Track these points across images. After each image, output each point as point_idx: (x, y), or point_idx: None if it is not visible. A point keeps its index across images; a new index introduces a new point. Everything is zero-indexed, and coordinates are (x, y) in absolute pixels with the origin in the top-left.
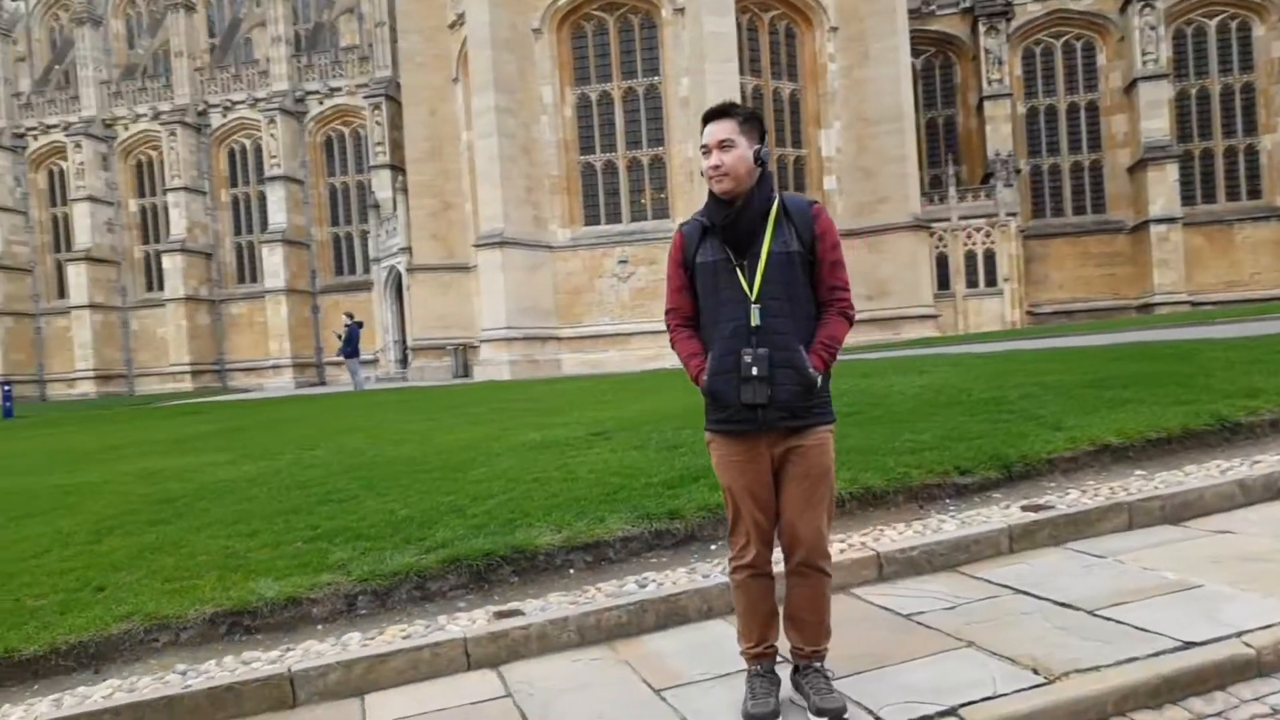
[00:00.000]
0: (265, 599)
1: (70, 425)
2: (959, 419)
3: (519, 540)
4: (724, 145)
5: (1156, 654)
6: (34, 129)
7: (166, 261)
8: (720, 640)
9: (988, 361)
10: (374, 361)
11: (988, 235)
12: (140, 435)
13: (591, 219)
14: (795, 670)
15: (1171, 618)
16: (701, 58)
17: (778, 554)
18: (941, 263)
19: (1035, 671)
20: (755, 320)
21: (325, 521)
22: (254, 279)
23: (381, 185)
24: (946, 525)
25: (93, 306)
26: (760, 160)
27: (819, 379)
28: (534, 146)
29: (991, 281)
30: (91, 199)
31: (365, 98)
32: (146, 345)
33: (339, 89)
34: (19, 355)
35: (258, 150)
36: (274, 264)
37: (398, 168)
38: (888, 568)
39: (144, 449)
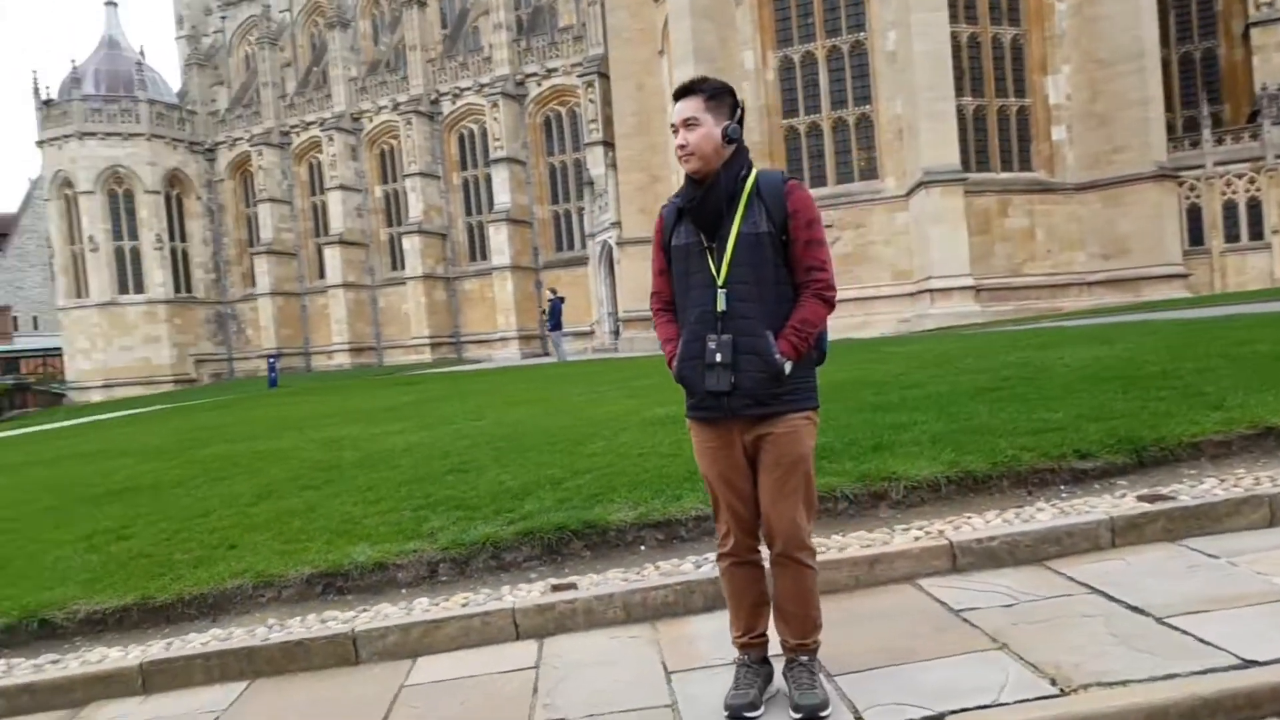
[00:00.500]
0: (357, 563)
1: (312, 395)
2: (1108, 396)
3: (594, 515)
4: (689, 124)
5: (1205, 671)
6: (296, 126)
7: (406, 243)
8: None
9: (1190, 329)
10: (590, 333)
11: (1251, 182)
12: (353, 404)
13: None
14: (785, 664)
15: (1249, 632)
16: (908, 9)
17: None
18: (1193, 215)
19: (1053, 682)
20: (721, 305)
21: (440, 491)
22: (483, 256)
23: (595, 162)
24: (1042, 515)
25: (345, 285)
26: (729, 137)
27: (786, 365)
28: None
29: (1257, 235)
30: (343, 187)
31: (579, 76)
32: (392, 320)
33: (555, 70)
34: (288, 330)
35: (484, 134)
36: (499, 242)
37: (610, 144)
38: (962, 559)
39: (346, 417)
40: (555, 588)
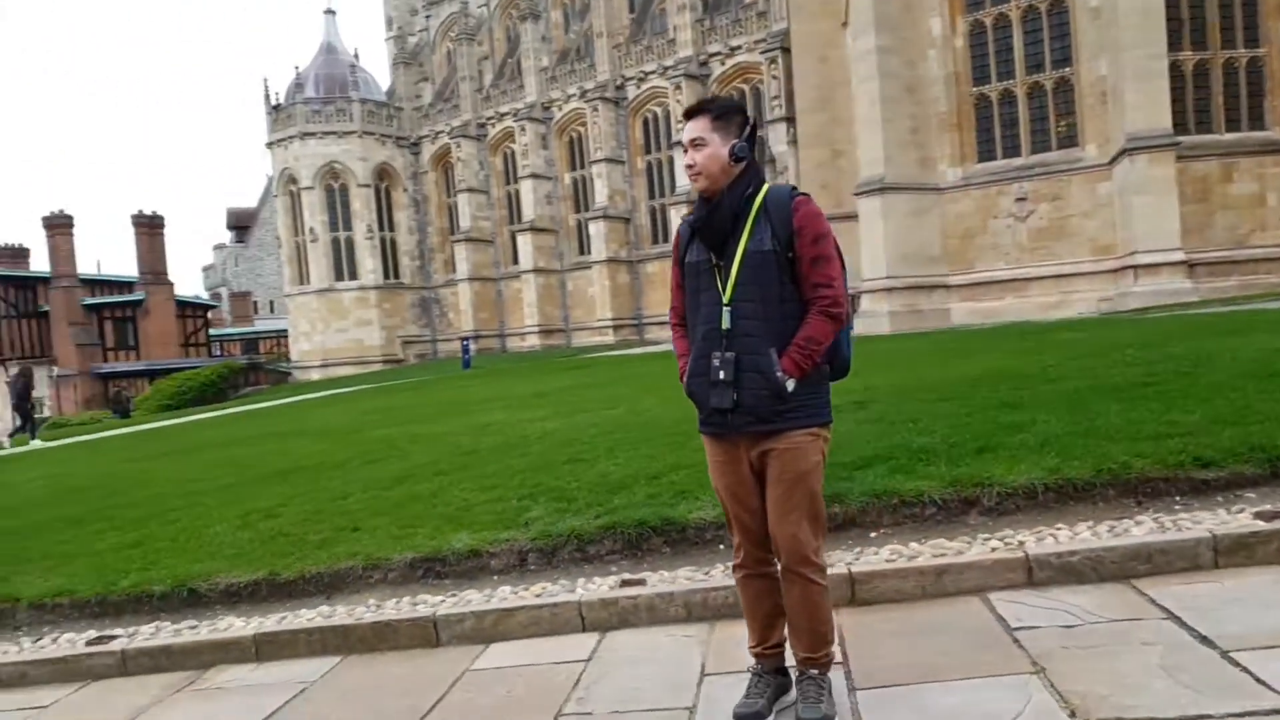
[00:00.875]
0: (455, 550)
1: (493, 377)
2: (1260, 396)
3: (676, 513)
4: (696, 144)
5: (1244, 714)
6: (491, 118)
7: (592, 228)
8: None
9: None
10: None
11: None
12: (518, 388)
13: (985, 155)
14: (796, 676)
15: None
16: None
17: None
18: None
19: (1072, 713)
20: (726, 323)
21: (551, 480)
22: (665, 239)
23: (777, 139)
24: (1139, 529)
25: (536, 271)
26: (737, 156)
27: (788, 383)
28: (919, 84)
29: None
30: (534, 176)
31: (762, 53)
32: (579, 303)
33: (738, 47)
34: (484, 314)
35: (667, 117)
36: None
37: (792, 120)
38: (1039, 573)
39: (504, 403)
40: (625, 583)
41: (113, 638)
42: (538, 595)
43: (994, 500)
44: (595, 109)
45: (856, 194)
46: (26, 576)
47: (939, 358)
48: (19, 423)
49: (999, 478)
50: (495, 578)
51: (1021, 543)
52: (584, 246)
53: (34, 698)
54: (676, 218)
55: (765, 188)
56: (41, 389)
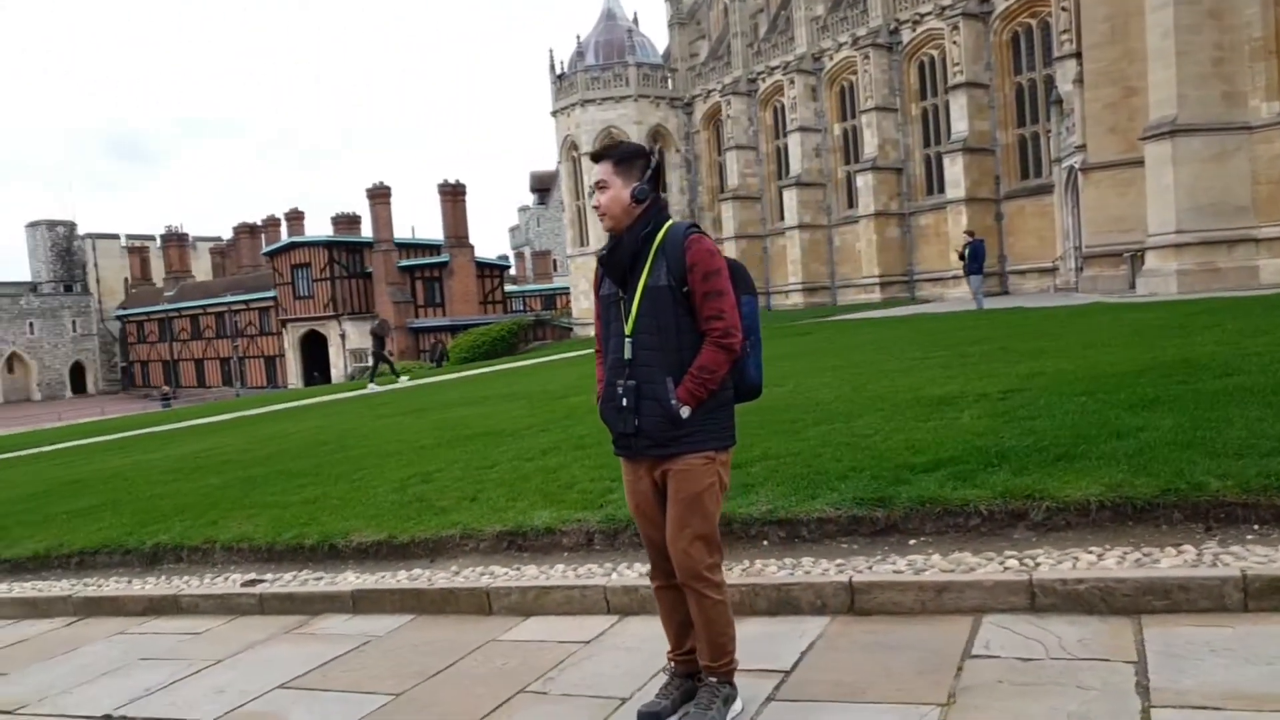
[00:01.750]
0: (534, 527)
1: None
2: None
3: (730, 506)
4: (600, 186)
5: None
6: (761, 73)
7: (859, 180)
8: (786, 637)
9: None
10: (1052, 270)
11: None
12: None
13: None
14: (700, 682)
15: None
16: None
17: None
18: None
19: None
20: (627, 353)
21: None
22: (939, 190)
23: (1065, 78)
24: (1165, 561)
25: (801, 227)
26: (636, 198)
27: (683, 410)
28: (1226, 9)
29: None
30: (802, 129)
31: None
32: (846, 259)
33: None
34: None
35: (943, 60)
36: (954, 174)
37: (1080, 55)
38: (1042, 598)
39: None
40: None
41: (260, 581)
42: (579, 576)
43: (1042, 515)
44: (866, 56)
45: (1142, 138)
46: (230, 522)
47: (1156, 336)
48: (374, 365)
49: (1052, 491)
50: (565, 555)
51: (1037, 564)
52: (853, 200)
53: (195, 625)
54: (950, 165)
55: (667, 226)
56: (366, 341)
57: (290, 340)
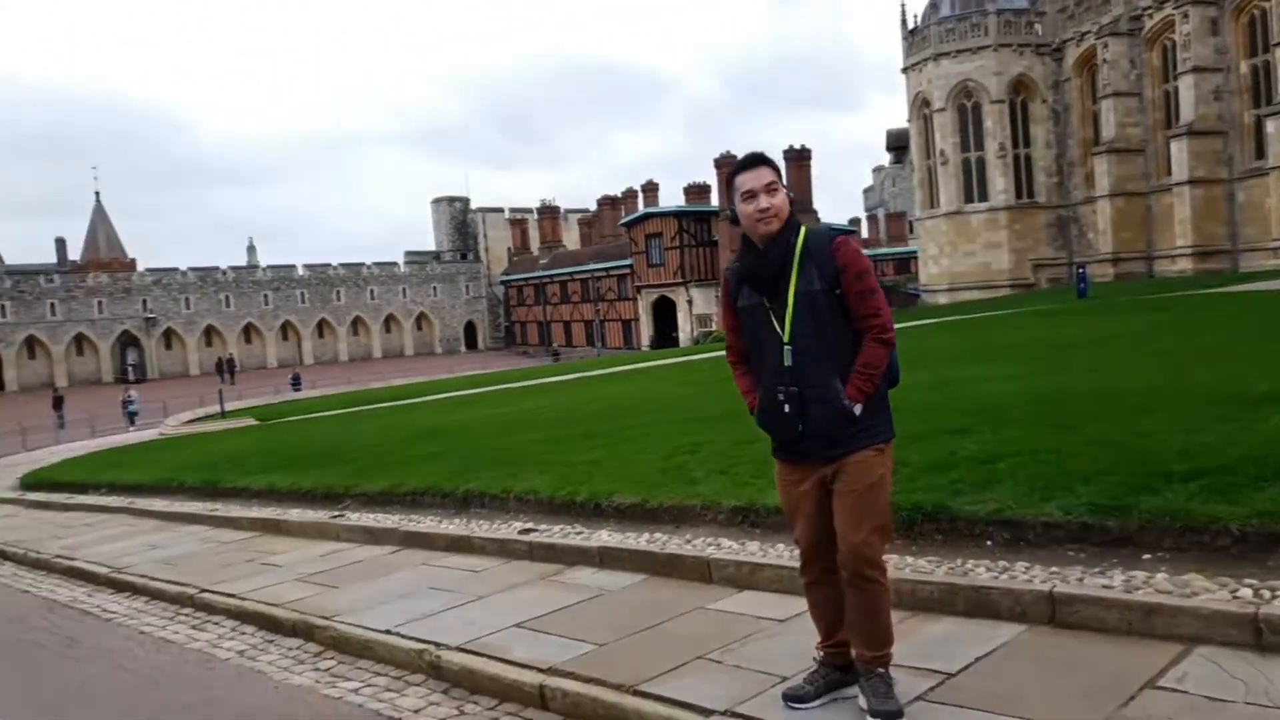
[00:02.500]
0: (765, 505)
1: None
2: None
3: (955, 503)
4: (771, 189)
5: None
6: (1148, 8)
7: (1270, 125)
8: (970, 640)
9: None
10: None
11: None
12: (1066, 331)
13: None
14: (863, 675)
15: None
16: None
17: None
18: None
19: None
20: (787, 360)
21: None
22: None
23: None
24: None
25: (1192, 182)
26: (792, 205)
27: (854, 407)
28: None
29: None
30: (1196, 69)
31: None
32: (1252, 219)
33: None
34: (1127, 233)
35: None
36: None
37: None
38: (1270, 636)
39: (1019, 351)
40: None
41: (533, 531)
42: (794, 557)
43: None
44: None
45: None
46: (527, 476)
47: None
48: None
49: None
50: (790, 535)
51: (1276, 597)
52: (1261, 149)
53: (478, 563)
54: None
55: (803, 231)
56: (711, 306)
57: (644, 305)
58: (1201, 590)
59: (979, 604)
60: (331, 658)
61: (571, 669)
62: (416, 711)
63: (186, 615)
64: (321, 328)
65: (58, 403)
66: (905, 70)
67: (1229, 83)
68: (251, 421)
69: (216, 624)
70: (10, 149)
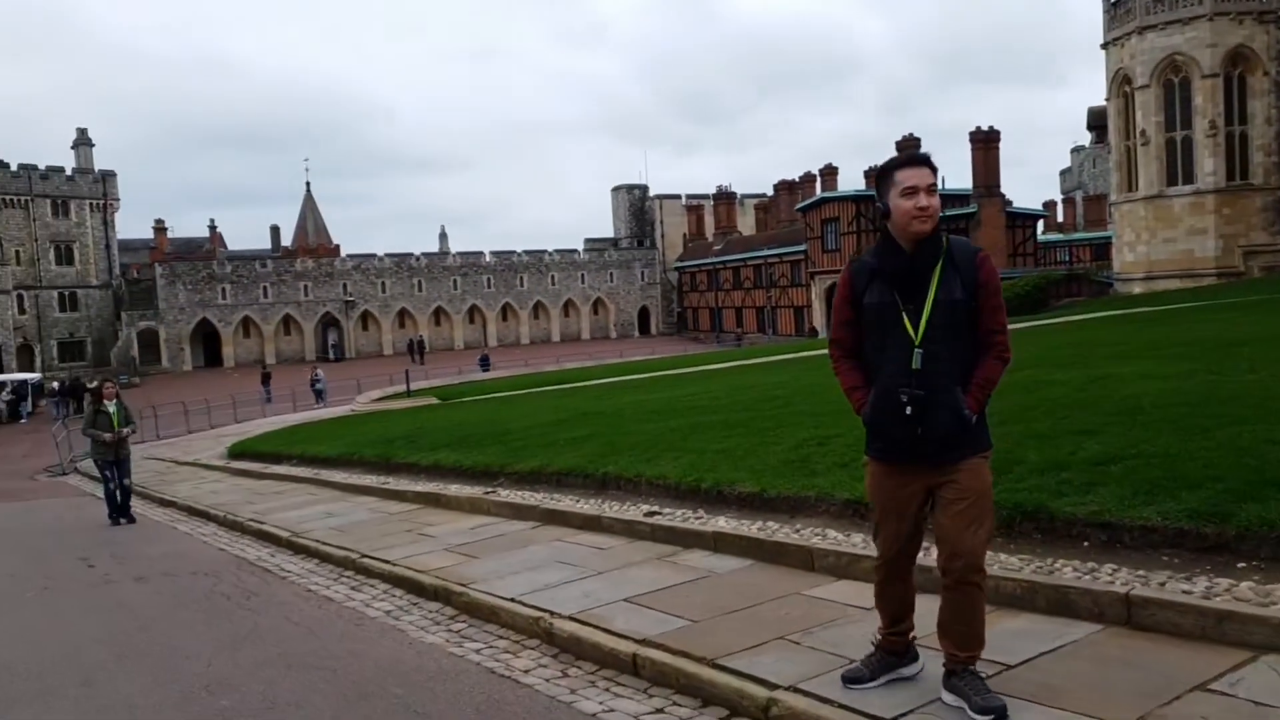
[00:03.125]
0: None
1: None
2: None
3: (1055, 504)
4: (932, 189)
5: None
6: None
7: None
8: (1040, 636)
9: None
10: None
11: None
12: (1220, 332)
13: None
14: (951, 674)
15: None
16: None
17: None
18: None
19: None
20: (916, 363)
21: (1031, 452)
22: None
23: None
24: None
25: None
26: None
27: (973, 418)
28: None
29: None
30: None
31: None
32: None
33: None
34: None
35: None
36: None
37: None
38: None
39: (1169, 351)
40: None
41: (658, 514)
42: (862, 549)
43: None
44: None
45: None
46: (660, 461)
47: None
48: None
49: None
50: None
51: None
52: None
53: (605, 542)
54: None
55: (946, 239)
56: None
57: (816, 291)
58: (1268, 601)
59: (1059, 603)
60: (464, 620)
61: (663, 641)
62: (526, 671)
63: (349, 577)
64: (505, 311)
65: (265, 379)
66: (1105, 46)
67: None
68: (433, 401)
69: (372, 586)
70: (235, 142)
